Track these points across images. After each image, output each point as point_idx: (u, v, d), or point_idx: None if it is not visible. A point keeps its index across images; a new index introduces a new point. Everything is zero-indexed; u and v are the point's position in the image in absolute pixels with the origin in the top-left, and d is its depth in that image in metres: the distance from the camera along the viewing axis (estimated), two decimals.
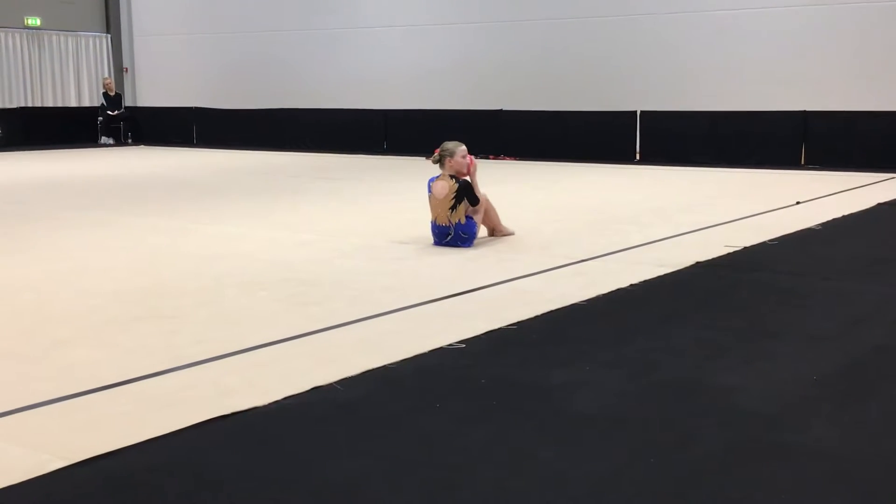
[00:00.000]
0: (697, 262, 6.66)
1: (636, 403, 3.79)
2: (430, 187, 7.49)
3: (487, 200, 7.60)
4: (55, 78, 22.75)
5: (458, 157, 7.41)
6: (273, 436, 3.43)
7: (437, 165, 7.50)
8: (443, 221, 7.36)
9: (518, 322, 5.01)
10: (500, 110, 17.53)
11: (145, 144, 21.23)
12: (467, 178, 7.48)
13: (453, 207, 7.30)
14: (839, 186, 11.69)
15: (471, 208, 7.39)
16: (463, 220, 7.34)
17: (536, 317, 5.13)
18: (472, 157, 7.56)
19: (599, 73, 17.56)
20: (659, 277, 6.19)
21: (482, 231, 7.70)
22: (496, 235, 7.80)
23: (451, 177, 7.39)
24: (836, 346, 4.65)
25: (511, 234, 7.90)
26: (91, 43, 23.34)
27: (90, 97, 23.01)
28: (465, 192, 7.37)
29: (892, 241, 7.96)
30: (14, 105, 21.60)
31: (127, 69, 23.97)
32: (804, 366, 4.28)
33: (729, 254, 7.02)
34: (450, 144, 7.47)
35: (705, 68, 16.61)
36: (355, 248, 7.42)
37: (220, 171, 14.93)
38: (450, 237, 7.35)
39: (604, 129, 16.48)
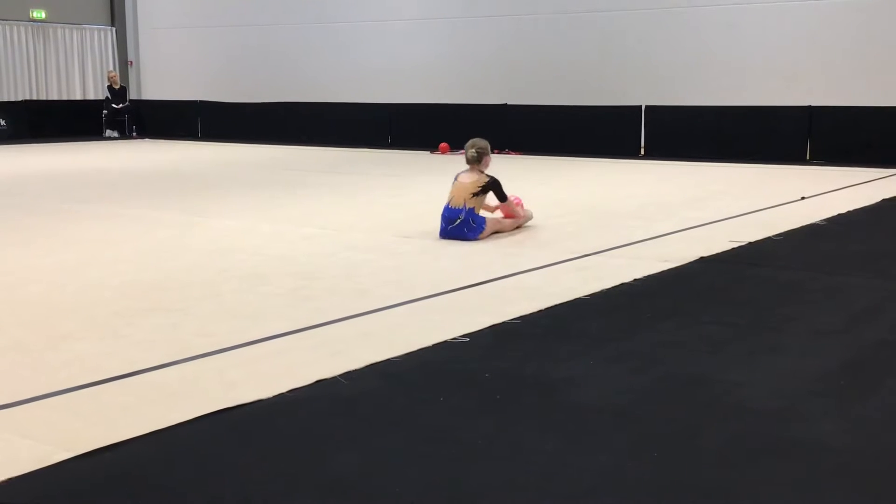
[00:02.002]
0: (701, 258, 6.66)
1: (639, 398, 3.79)
2: (456, 177, 7.71)
3: (498, 221, 7.78)
4: (60, 71, 22.76)
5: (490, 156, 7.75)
6: (277, 429, 3.44)
7: (472, 161, 7.65)
8: (457, 204, 7.46)
9: (522, 316, 5.01)
10: (505, 105, 17.52)
11: (150, 138, 21.23)
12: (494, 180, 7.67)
13: (476, 194, 7.49)
14: (844, 182, 11.67)
15: (490, 205, 7.67)
16: (478, 210, 7.50)
17: (540, 311, 5.13)
18: (519, 199, 7.93)
19: (604, 67, 17.54)
20: (663, 272, 6.19)
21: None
22: (521, 226, 8.03)
23: (482, 172, 7.64)
24: (840, 341, 4.65)
25: (530, 217, 8.14)
26: (96, 36, 23.36)
27: (95, 90, 23.04)
28: (494, 188, 7.62)
29: None
30: (19, 98, 21.63)
31: (132, 62, 23.99)
32: (808, 361, 4.28)
33: (733, 249, 7.01)
34: (483, 142, 7.70)
35: (710, 63, 16.59)
36: (359, 242, 7.42)
37: (225, 165, 14.94)
38: (459, 221, 7.38)
39: (608, 124, 16.47)
